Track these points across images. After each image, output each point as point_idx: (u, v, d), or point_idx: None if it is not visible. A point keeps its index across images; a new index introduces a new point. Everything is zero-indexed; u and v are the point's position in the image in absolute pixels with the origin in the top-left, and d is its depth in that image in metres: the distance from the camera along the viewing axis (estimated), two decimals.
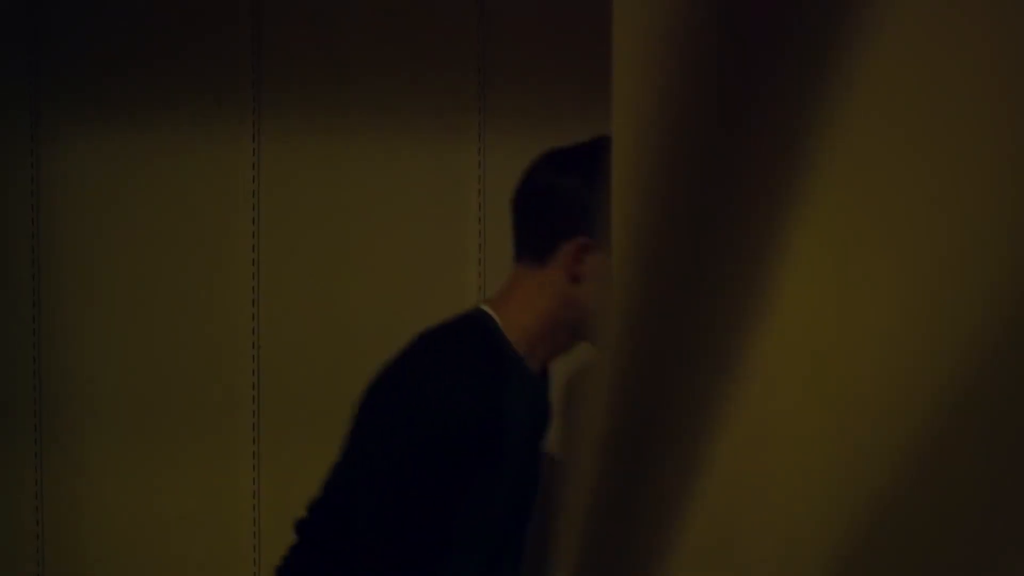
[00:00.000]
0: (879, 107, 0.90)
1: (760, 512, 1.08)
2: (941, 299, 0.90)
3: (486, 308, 1.42)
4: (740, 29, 0.93)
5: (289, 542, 1.41)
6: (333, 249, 1.90)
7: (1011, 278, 0.88)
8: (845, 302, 0.97)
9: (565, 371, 1.71)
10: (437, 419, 1.28)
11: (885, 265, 0.94)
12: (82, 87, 2.04)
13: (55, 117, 2.04)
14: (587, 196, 1.36)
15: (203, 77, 1.99)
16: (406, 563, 1.27)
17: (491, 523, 1.38)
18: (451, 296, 1.99)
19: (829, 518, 1.05)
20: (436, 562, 1.30)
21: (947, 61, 0.90)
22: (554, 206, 1.40)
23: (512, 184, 2.00)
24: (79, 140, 2.04)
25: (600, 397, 1.06)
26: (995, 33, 0.88)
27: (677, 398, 1.06)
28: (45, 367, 2.07)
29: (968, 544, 0.97)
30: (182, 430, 1.91)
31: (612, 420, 1.08)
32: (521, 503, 1.47)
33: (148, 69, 2.01)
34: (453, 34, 1.91)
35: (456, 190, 1.95)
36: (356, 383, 1.44)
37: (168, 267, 2.04)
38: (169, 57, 2.00)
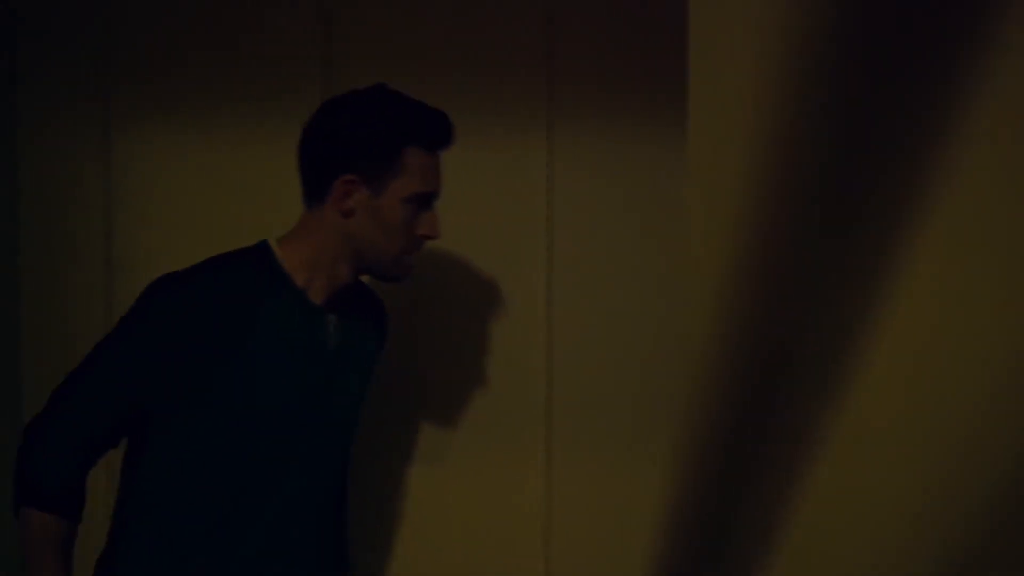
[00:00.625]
0: (1013, 113, 0.89)
1: (859, 522, 1.09)
2: None
3: (271, 242, 1.56)
4: (866, 33, 0.92)
5: None
6: None
7: None
8: (960, 310, 0.97)
9: None
10: (170, 306, 1.47)
11: (1005, 274, 0.93)
12: (151, 83, 2.06)
13: (125, 112, 2.06)
14: (352, 136, 1.51)
15: (270, 74, 2.01)
16: (92, 389, 1.50)
17: (236, 430, 1.51)
18: (519, 299, 2.00)
19: (930, 529, 1.05)
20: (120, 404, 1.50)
21: None
22: (323, 148, 1.53)
23: (580, 188, 2.01)
24: (149, 135, 2.06)
25: (701, 405, 1.06)
26: None
27: (779, 408, 1.06)
28: None
29: None
30: None
31: (714, 428, 1.09)
32: (298, 427, 1.56)
33: (217, 66, 2.03)
34: (522, 38, 1.93)
35: (525, 193, 1.97)
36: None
37: None
38: (238, 54, 2.02)
